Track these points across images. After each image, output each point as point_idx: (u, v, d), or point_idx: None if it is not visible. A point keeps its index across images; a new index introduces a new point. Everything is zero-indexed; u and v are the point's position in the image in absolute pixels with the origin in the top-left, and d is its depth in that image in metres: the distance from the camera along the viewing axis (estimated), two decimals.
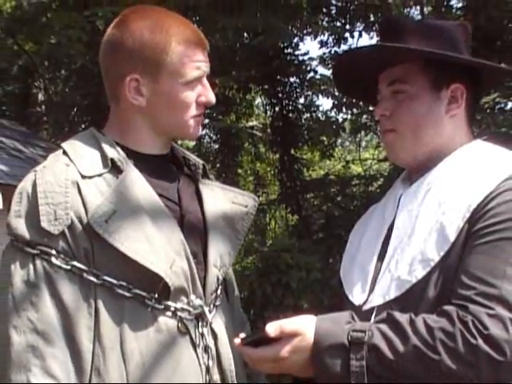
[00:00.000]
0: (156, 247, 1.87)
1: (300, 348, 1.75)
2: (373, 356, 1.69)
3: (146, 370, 1.84)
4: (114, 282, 1.85)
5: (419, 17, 10.32)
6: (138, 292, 1.86)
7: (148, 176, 1.97)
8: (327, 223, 11.48)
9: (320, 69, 12.57)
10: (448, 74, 1.95)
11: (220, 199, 2.11)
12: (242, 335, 1.84)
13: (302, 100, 12.66)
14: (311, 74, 12.37)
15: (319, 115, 12.86)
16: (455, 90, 1.96)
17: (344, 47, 11.66)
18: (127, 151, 1.98)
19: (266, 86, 12.31)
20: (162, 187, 1.99)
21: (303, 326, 1.76)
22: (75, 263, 1.84)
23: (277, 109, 12.28)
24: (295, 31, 11.40)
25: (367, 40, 11.65)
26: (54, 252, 1.83)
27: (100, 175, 1.91)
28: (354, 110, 12.03)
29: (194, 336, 1.92)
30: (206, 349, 1.94)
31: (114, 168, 1.93)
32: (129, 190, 1.90)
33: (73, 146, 1.98)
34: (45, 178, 1.88)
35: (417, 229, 1.87)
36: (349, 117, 12.57)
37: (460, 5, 10.04)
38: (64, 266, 1.83)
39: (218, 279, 2.02)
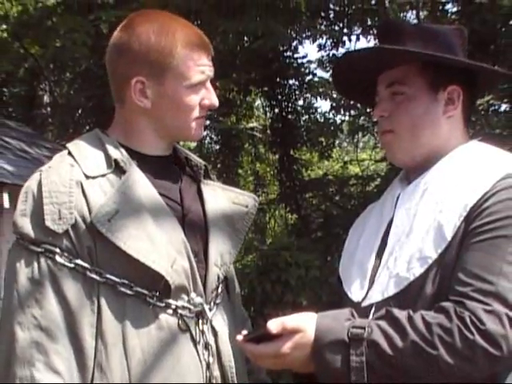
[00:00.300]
0: (158, 246, 1.87)
1: (301, 344, 1.74)
2: (372, 352, 1.69)
3: (147, 366, 1.84)
4: (117, 280, 1.85)
5: (415, 21, 10.31)
6: (140, 290, 1.86)
7: (151, 176, 1.96)
8: (326, 222, 11.48)
9: (318, 71, 12.62)
10: (445, 77, 1.95)
11: (221, 199, 2.11)
12: (244, 332, 1.83)
13: (300, 102, 12.67)
14: (310, 76, 12.38)
15: (318, 117, 12.87)
16: (452, 91, 1.96)
17: (342, 50, 11.65)
18: (131, 152, 1.98)
19: (266, 89, 12.30)
20: (164, 187, 1.99)
21: (304, 323, 1.76)
22: (79, 261, 1.84)
23: (276, 110, 12.28)
24: (294, 35, 11.40)
25: (365, 43, 11.65)
26: (58, 250, 1.83)
27: (104, 175, 1.91)
28: (352, 112, 12.03)
29: (194, 333, 1.92)
30: (207, 346, 1.94)
31: (118, 168, 1.92)
32: (131, 190, 1.90)
33: (77, 146, 1.98)
34: (50, 177, 1.88)
35: (415, 227, 1.87)
36: (347, 118, 12.58)
37: (455, 9, 10.04)
38: (68, 264, 1.83)
39: (218, 278, 2.01)
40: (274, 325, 1.74)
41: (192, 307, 1.92)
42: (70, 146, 1.99)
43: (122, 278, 1.85)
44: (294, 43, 11.88)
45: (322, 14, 11.40)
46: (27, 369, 1.78)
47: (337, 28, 11.62)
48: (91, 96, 10.94)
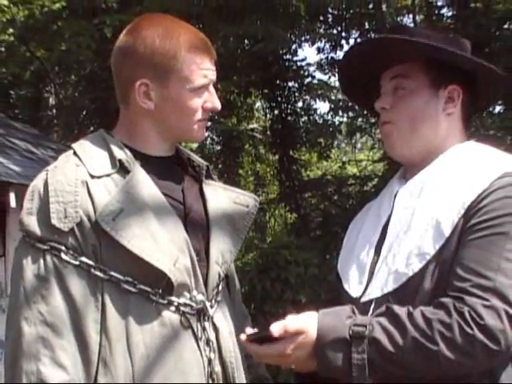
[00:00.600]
0: (161, 245, 1.87)
1: (303, 345, 1.74)
2: (373, 349, 1.69)
3: (150, 361, 1.84)
4: (121, 277, 1.85)
5: (412, 25, 10.32)
6: (143, 287, 1.86)
7: (154, 176, 1.96)
8: (324, 221, 11.48)
9: (317, 74, 12.64)
10: (447, 75, 1.96)
11: (222, 199, 2.11)
12: (248, 331, 1.82)
13: (300, 104, 12.65)
14: (309, 78, 12.36)
15: (316, 118, 12.85)
16: (452, 90, 1.97)
17: (340, 53, 11.65)
18: (135, 153, 1.98)
19: (266, 91, 12.29)
20: (167, 187, 1.99)
21: (306, 324, 1.75)
22: (83, 259, 1.84)
23: (276, 112, 12.27)
24: (294, 38, 11.39)
25: None
26: (63, 248, 1.83)
27: (108, 175, 1.91)
28: (350, 114, 12.02)
29: (196, 330, 1.92)
30: (208, 342, 1.94)
31: (122, 168, 1.93)
32: (135, 190, 1.90)
33: (83, 147, 1.98)
34: (56, 177, 1.88)
35: (413, 224, 1.87)
36: (345, 120, 12.57)
37: (450, 13, 10.04)
38: (73, 262, 1.83)
39: (219, 275, 2.01)
40: (276, 328, 1.73)
41: (194, 304, 1.92)
42: (75, 146, 1.99)
43: (125, 275, 1.85)
44: (294, 46, 11.87)
45: (321, 18, 11.40)
46: (33, 363, 1.78)
47: (335, 31, 11.63)
48: (95, 98, 10.95)
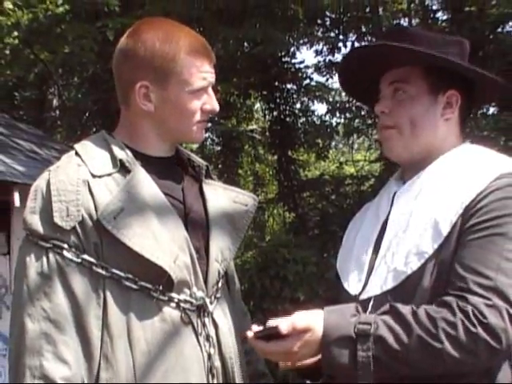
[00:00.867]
0: (161, 243, 1.87)
1: (310, 342, 1.74)
2: (379, 347, 1.69)
3: (151, 356, 1.85)
4: (122, 274, 1.85)
5: None
6: (144, 284, 1.87)
7: (154, 176, 1.97)
8: (322, 220, 11.47)
9: (315, 76, 12.56)
10: (445, 81, 1.96)
11: (222, 198, 2.11)
12: (254, 328, 1.81)
13: (298, 105, 12.64)
14: (307, 80, 12.35)
15: (314, 119, 12.85)
16: (451, 96, 1.97)
17: (338, 56, 11.66)
18: (135, 153, 1.98)
19: (265, 92, 12.28)
20: (167, 187, 1.99)
21: (313, 322, 1.74)
22: (85, 256, 1.84)
23: (275, 113, 12.26)
24: (292, 41, 11.38)
25: None
26: (65, 246, 1.84)
27: (109, 175, 1.91)
28: (347, 115, 12.03)
29: (196, 325, 1.92)
30: (208, 337, 1.94)
31: (123, 168, 1.93)
32: (136, 189, 1.90)
33: (84, 147, 1.99)
34: (58, 177, 1.88)
35: (411, 224, 1.87)
36: (342, 121, 12.55)
37: (445, 17, 10.04)
38: (75, 259, 1.84)
39: (219, 273, 2.02)
40: (284, 325, 1.72)
41: (194, 301, 1.92)
42: (77, 146, 1.99)
43: (126, 272, 1.86)
44: (292, 49, 11.87)
45: (319, 22, 11.40)
46: (36, 358, 1.79)
47: (333, 35, 11.62)
48: (98, 100, 10.94)
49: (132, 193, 1.89)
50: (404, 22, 11.23)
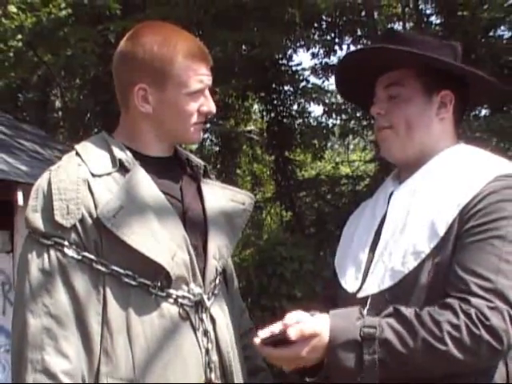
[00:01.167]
0: (159, 240, 1.88)
1: (317, 347, 1.72)
2: (384, 350, 1.68)
3: (150, 351, 1.85)
4: (121, 271, 1.86)
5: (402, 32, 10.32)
6: (143, 281, 1.87)
7: (153, 176, 1.97)
8: (318, 219, 11.47)
9: (312, 78, 12.54)
10: (439, 82, 1.96)
11: (220, 197, 2.11)
12: (261, 334, 1.78)
13: (295, 107, 12.61)
14: (304, 83, 12.33)
15: (311, 120, 12.82)
16: (445, 96, 1.97)
17: (334, 58, 11.66)
18: (134, 153, 1.99)
19: (263, 94, 12.26)
20: (166, 186, 2.00)
21: (320, 327, 1.72)
22: (86, 254, 1.85)
23: (272, 115, 12.24)
24: (289, 44, 11.39)
25: None
26: (66, 243, 1.84)
27: (109, 174, 1.91)
28: (343, 116, 12.02)
29: (193, 321, 1.92)
30: (205, 333, 1.94)
31: (122, 168, 1.93)
32: (135, 188, 1.91)
33: (85, 147, 1.99)
34: (59, 176, 1.89)
35: (408, 224, 1.87)
36: (338, 122, 12.54)
37: (438, 21, 10.05)
38: (76, 256, 1.84)
39: (216, 270, 2.02)
40: (293, 332, 1.70)
41: (192, 297, 1.93)
42: (77, 147, 2.00)
43: (126, 269, 1.86)
44: (289, 52, 11.87)
45: (315, 25, 11.40)
46: (38, 353, 1.79)
47: (329, 38, 11.62)
48: (99, 101, 10.94)
49: (131, 192, 1.90)
50: (398, 25, 11.24)
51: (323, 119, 12.49)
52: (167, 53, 1.96)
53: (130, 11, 9.19)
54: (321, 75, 12.22)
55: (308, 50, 11.72)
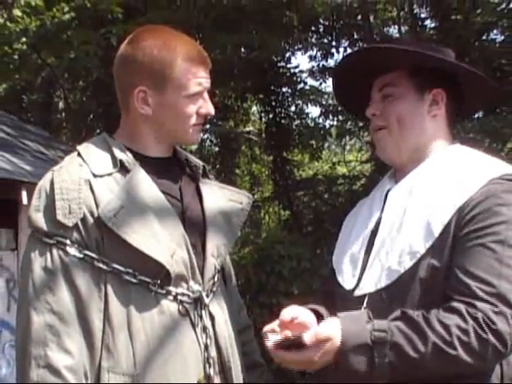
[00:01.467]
0: (159, 239, 1.88)
1: (330, 351, 1.70)
2: (394, 353, 1.67)
3: (150, 347, 1.85)
4: (122, 269, 1.86)
5: (397, 35, 10.32)
6: (143, 278, 1.88)
7: (153, 176, 1.97)
8: (315, 218, 11.46)
9: (309, 80, 12.57)
10: (431, 81, 1.97)
11: (218, 197, 2.11)
12: (272, 337, 1.76)
13: (293, 108, 12.59)
14: (301, 84, 12.31)
15: (308, 122, 12.80)
16: (436, 94, 1.97)
17: (331, 61, 11.65)
18: (135, 154, 1.99)
19: (261, 96, 12.24)
20: (165, 186, 2.00)
21: (333, 332, 1.71)
22: (87, 252, 1.85)
23: (271, 116, 12.22)
24: (287, 47, 11.37)
25: None
26: (68, 242, 1.85)
27: (110, 174, 1.92)
28: (340, 117, 12.00)
29: (193, 317, 1.93)
30: (204, 329, 1.95)
31: (123, 168, 1.94)
32: (135, 188, 1.91)
33: (86, 148, 1.99)
34: (61, 176, 1.89)
35: (405, 223, 1.87)
36: (335, 123, 12.52)
37: (433, 25, 10.04)
38: (77, 255, 1.85)
39: (215, 268, 2.02)
40: (308, 337, 1.69)
41: (191, 294, 1.93)
42: (79, 148, 2.00)
43: (126, 267, 1.86)
44: (287, 54, 11.85)
45: (313, 28, 11.39)
46: (41, 349, 1.80)
47: (326, 41, 11.60)
48: (101, 102, 10.93)
49: (132, 192, 1.90)
50: (394, 29, 11.24)
51: (320, 120, 12.48)
52: (167, 56, 1.96)
53: (131, 15, 9.18)
54: (318, 77, 12.20)
55: (306, 52, 11.71)
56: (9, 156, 6.37)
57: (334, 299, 1.98)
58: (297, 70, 12.21)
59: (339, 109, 11.19)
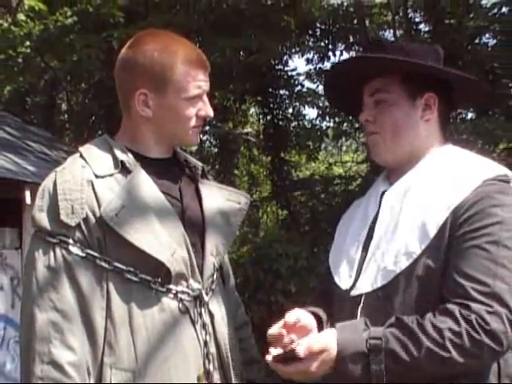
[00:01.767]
0: (160, 238, 1.88)
1: (327, 361, 1.71)
2: (390, 359, 1.67)
3: (151, 343, 1.86)
4: (123, 267, 1.86)
5: (393, 38, 10.33)
6: (144, 277, 1.88)
7: (154, 177, 1.97)
8: (312, 217, 11.46)
9: (306, 83, 12.53)
10: (423, 86, 1.96)
11: (217, 197, 2.12)
12: (273, 352, 1.77)
13: (290, 110, 12.59)
14: (299, 87, 12.32)
15: (305, 123, 12.80)
16: (428, 98, 1.96)
17: (327, 64, 11.66)
18: (136, 155, 1.99)
19: (260, 98, 12.25)
20: (165, 186, 2.00)
21: (328, 343, 1.71)
22: (89, 251, 1.85)
23: (269, 117, 12.22)
24: (285, 50, 11.38)
25: None
26: (71, 241, 1.85)
27: (111, 175, 1.92)
28: (336, 119, 12.01)
29: (192, 315, 1.93)
30: (204, 326, 1.95)
31: (124, 169, 1.94)
32: (136, 188, 1.91)
33: (88, 150, 1.99)
34: (64, 177, 1.89)
35: (400, 224, 1.86)
36: (331, 125, 12.53)
37: (427, 29, 10.06)
38: (80, 254, 1.85)
39: (214, 266, 2.03)
40: (301, 349, 1.69)
41: (190, 292, 1.93)
42: (81, 149, 2.00)
43: (128, 265, 1.87)
44: (285, 58, 11.85)
45: (310, 32, 11.41)
46: (45, 345, 1.80)
47: (323, 44, 11.62)
48: (103, 104, 10.93)
49: (132, 192, 1.90)
50: (389, 33, 11.26)
51: (317, 122, 12.49)
52: (167, 59, 1.96)
53: (132, 19, 9.19)
54: (315, 80, 12.22)
55: (303, 55, 11.73)
56: (12, 157, 6.38)
57: (331, 298, 1.98)
58: (294, 73, 12.24)
59: (336, 111, 11.19)
